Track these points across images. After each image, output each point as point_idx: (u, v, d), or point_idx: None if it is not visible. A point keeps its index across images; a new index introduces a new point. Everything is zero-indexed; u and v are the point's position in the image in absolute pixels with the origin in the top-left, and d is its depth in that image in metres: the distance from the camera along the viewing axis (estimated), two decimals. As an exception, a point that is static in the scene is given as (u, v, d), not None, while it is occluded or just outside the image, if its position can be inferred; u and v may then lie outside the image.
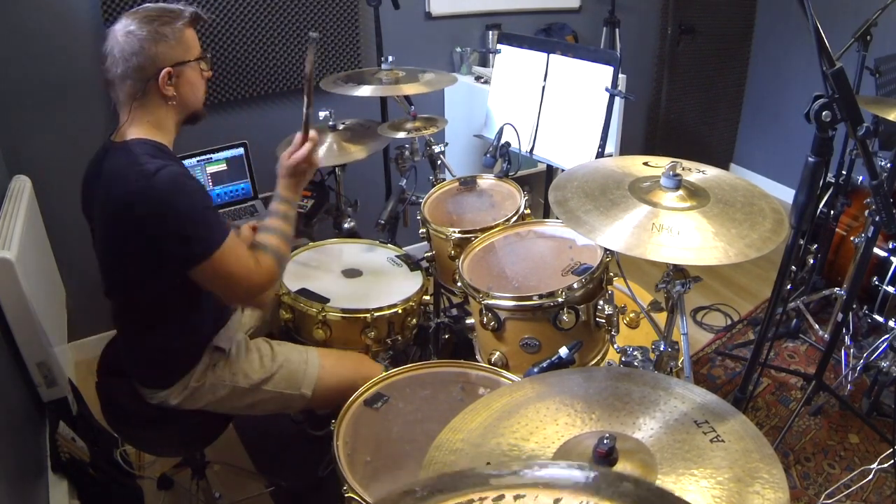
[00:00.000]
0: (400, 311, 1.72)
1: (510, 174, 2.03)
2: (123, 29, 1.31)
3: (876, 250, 2.41)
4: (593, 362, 1.53)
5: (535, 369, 1.29)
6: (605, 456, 0.87)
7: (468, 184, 2.05)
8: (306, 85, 1.55)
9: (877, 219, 1.98)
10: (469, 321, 1.67)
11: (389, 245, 2.05)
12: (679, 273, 1.30)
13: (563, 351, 1.30)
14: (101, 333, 2.61)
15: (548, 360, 1.30)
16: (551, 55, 2.20)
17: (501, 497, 0.53)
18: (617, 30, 3.32)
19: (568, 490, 0.52)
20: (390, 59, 2.28)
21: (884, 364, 2.26)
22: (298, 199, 1.57)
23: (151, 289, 1.40)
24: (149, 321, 1.46)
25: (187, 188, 1.31)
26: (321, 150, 2.12)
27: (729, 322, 2.95)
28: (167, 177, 1.28)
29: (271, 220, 1.51)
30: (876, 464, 2.03)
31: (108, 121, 1.39)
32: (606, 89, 2.03)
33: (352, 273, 1.89)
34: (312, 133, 1.55)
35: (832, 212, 2.64)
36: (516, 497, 0.52)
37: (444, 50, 3.10)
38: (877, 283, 2.44)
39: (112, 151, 1.36)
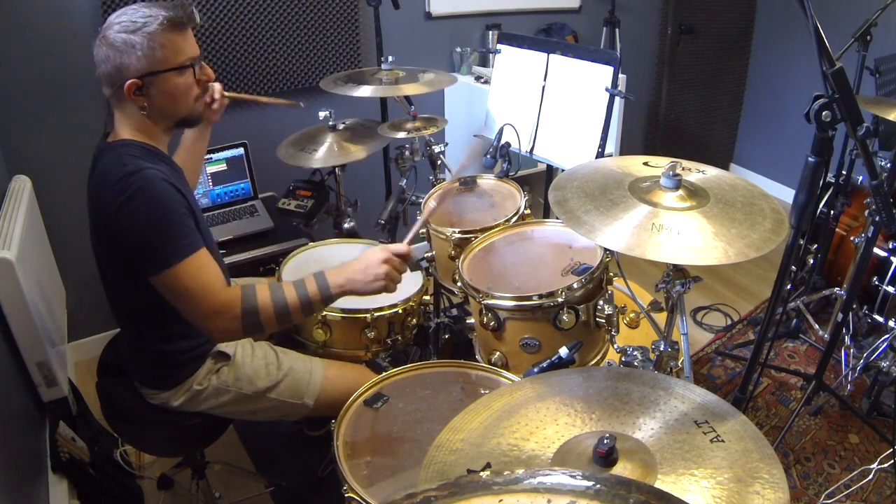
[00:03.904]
0: (400, 311, 1.72)
1: (510, 174, 2.03)
2: (104, 31, 1.28)
3: (876, 250, 2.41)
4: (593, 362, 1.53)
5: (535, 369, 1.29)
6: (605, 456, 0.87)
7: (468, 184, 2.05)
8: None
9: (877, 219, 1.98)
10: (469, 321, 1.67)
11: (389, 245, 2.05)
12: (679, 273, 1.31)
13: (563, 351, 1.30)
14: (101, 333, 2.62)
15: (548, 360, 1.30)
16: (551, 55, 2.20)
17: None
18: (617, 30, 3.32)
19: (572, 496, 0.52)
20: (390, 59, 2.28)
21: (884, 364, 2.26)
22: (335, 293, 1.36)
23: (141, 292, 1.34)
24: (149, 323, 1.45)
25: (160, 194, 1.26)
26: (321, 151, 2.13)
27: (729, 322, 2.95)
28: (142, 180, 1.24)
29: (291, 288, 1.34)
30: (876, 464, 2.04)
31: (111, 115, 1.39)
32: (606, 89, 2.03)
33: (352, 273, 1.88)
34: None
35: (832, 212, 2.64)
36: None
37: (444, 50, 3.10)
38: (877, 283, 2.44)
39: (103, 152, 1.35)
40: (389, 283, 1.40)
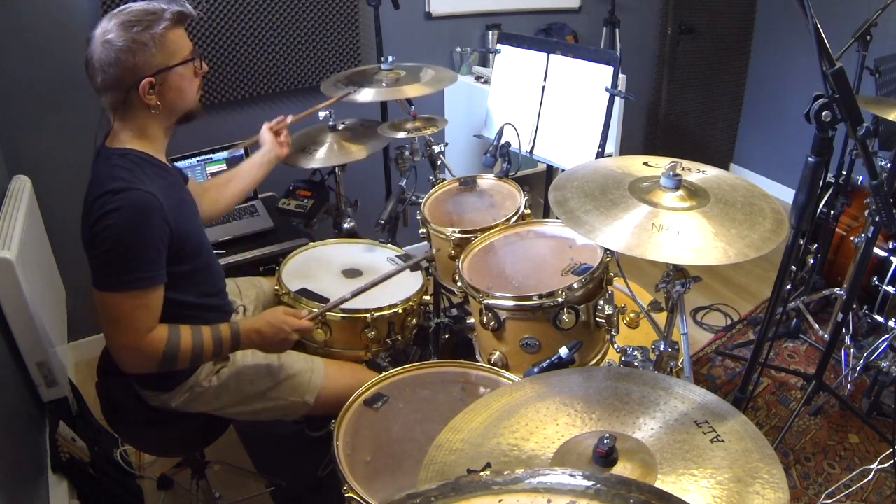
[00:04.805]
0: (400, 311, 1.72)
1: (510, 174, 2.03)
2: (102, 36, 1.25)
3: (876, 250, 2.41)
4: (593, 362, 1.53)
5: (535, 369, 1.29)
6: (605, 456, 0.87)
7: (468, 184, 2.05)
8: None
9: (877, 219, 1.98)
10: (469, 321, 1.67)
11: (389, 245, 2.05)
12: (679, 273, 1.30)
13: (563, 351, 1.30)
14: (101, 333, 2.60)
15: (548, 360, 1.30)
16: (551, 55, 2.20)
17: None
18: (617, 30, 3.32)
19: (572, 496, 0.52)
20: (390, 59, 2.28)
21: (884, 364, 2.26)
22: (244, 349, 1.48)
23: None
24: None
25: (137, 220, 1.25)
26: (321, 151, 2.13)
27: (729, 322, 2.95)
28: (126, 199, 1.24)
29: (209, 331, 1.39)
30: (876, 464, 2.04)
31: (107, 121, 1.39)
32: (606, 89, 2.03)
33: (352, 273, 1.88)
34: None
35: (832, 212, 2.64)
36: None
37: (444, 50, 3.10)
38: (877, 283, 2.44)
39: (101, 157, 1.34)
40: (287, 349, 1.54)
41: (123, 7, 1.29)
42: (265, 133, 1.86)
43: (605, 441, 0.86)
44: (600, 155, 2.07)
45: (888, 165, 1.96)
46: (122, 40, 1.24)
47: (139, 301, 1.28)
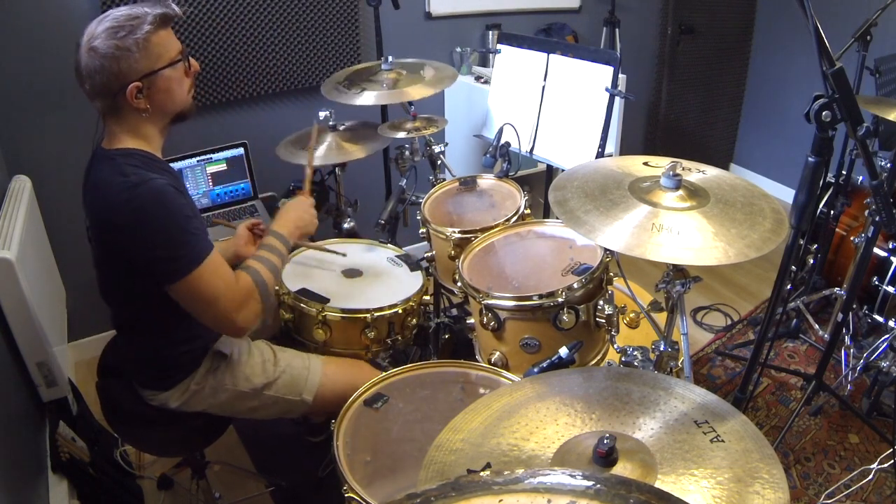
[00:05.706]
0: (400, 311, 1.72)
1: (510, 174, 2.03)
2: (87, 43, 1.25)
3: (876, 250, 2.41)
4: (593, 362, 1.53)
5: (535, 369, 1.29)
6: (605, 456, 0.87)
7: (468, 184, 2.05)
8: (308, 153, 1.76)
9: (877, 219, 1.98)
10: (469, 321, 1.67)
11: (389, 245, 2.05)
12: (679, 273, 1.30)
13: (563, 351, 1.30)
14: (101, 333, 2.62)
15: (548, 360, 1.30)
16: (551, 55, 2.20)
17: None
18: (617, 30, 3.32)
19: (572, 496, 0.52)
20: (390, 59, 2.28)
21: (884, 364, 2.26)
22: (292, 242, 1.56)
23: (141, 297, 1.36)
24: (145, 326, 1.46)
25: (170, 203, 1.27)
26: (321, 150, 2.13)
27: (729, 322, 2.95)
28: (150, 190, 1.24)
29: (261, 250, 1.48)
30: (876, 464, 2.04)
31: (103, 124, 1.40)
32: (606, 89, 2.03)
33: (352, 273, 1.88)
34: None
35: (832, 212, 2.64)
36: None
37: (443, 50, 3.10)
38: (877, 283, 2.44)
39: (99, 159, 1.34)
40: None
41: (109, 12, 1.29)
42: (242, 229, 1.79)
43: (605, 441, 0.86)
44: (600, 155, 2.07)
45: (888, 165, 1.96)
46: (106, 47, 1.24)
47: (212, 265, 1.31)
